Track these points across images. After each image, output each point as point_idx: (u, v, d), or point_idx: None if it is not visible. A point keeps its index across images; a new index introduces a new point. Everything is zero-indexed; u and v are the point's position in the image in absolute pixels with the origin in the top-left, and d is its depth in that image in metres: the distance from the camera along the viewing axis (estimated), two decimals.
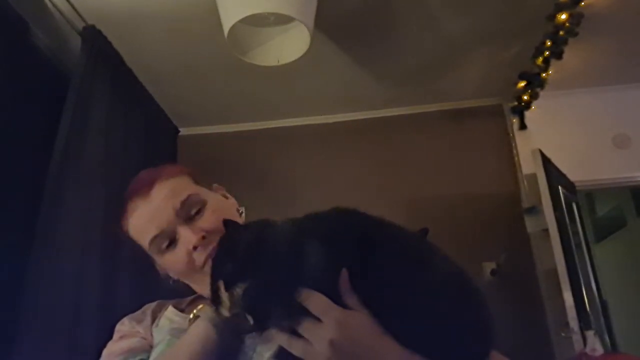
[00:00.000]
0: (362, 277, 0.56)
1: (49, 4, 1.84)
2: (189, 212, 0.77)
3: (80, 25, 1.91)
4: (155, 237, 0.76)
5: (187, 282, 0.82)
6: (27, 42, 1.83)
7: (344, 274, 0.56)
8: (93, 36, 1.90)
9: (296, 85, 2.65)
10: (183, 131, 2.88)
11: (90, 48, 1.88)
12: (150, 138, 2.34)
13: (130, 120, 2.17)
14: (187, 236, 0.75)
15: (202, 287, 0.78)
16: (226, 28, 1.74)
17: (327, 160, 2.88)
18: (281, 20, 1.83)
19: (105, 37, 1.95)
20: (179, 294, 0.88)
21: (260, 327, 0.59)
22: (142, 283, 1.71)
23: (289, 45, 1.95)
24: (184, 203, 0.77)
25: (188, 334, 0.70)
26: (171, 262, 0.78)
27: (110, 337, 0.81)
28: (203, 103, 2.77)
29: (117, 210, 0.84)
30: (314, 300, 0.55)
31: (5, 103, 1.64)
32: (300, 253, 0.57)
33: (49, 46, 1.99)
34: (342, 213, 0.64)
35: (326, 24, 2.12)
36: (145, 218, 0.77)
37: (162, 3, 1.95)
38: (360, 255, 0.57)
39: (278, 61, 1.97)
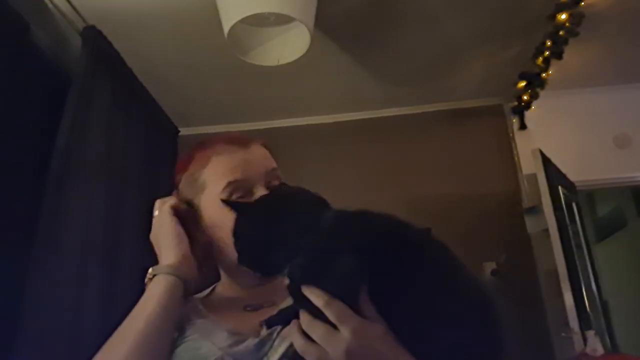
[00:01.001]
0: (386, 288, 0.56)
1: (49, 4, 1.84)
2: (272, 180, 0.79)
3: (80, 25, 1.92)
4: (236, 181, 0.76)
5: (226, 245, 0.75)
6: (28, 42, 1.83)
7: (365, 286, 0.56)
8: (93, 36, 1.90)
9: (296, 85, 2.65)
10: (183, 131, 2.87)
11: (90, 48, 1.88)
12: (150, 138, 2.34)
13: (131, 120, 2.17)
14: None
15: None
16: (226, 28, 1.74)
17: (327, 160, 2.88)
18: (281, 20, 1.83)
19: (105, 38, 1.95)
20: None
21: (286, 320, 0.61)
22: (143, 283, 1.71)
23: (289, 45, 1.95)
24: (274, 170, 0.80)
25: (149, 291, 0.71)
26: (232, 215, 0.76)
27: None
28: (203, 103, 2.77)
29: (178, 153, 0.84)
30: (334, 308, 0.55)
31: (6, 103, 1.64)
32: (334, 254, 0.56)
33: (49, 46, 1.99)
34: (380, 220, 0.62)
35: (326, 24, 2.12)
36: (236, 162, 0.78)
37: (162, 3, 1.95)
38: (388, 265, 0.56)
39: (278, 61, 1.97)
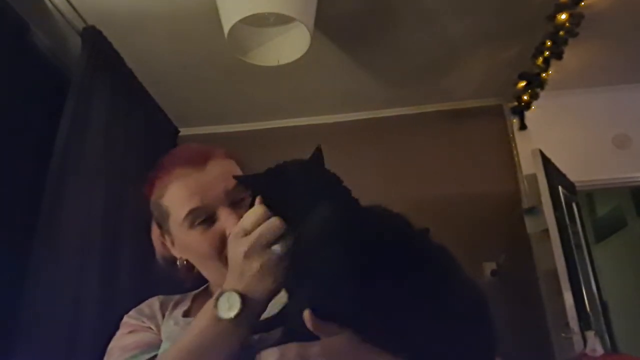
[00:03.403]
0: (381, 287, 0.54)
1: (49, 4, 1.84)
2: (236, 197, 0.75)
3: (80, 25, 1.91)
4: (196, 209, 0.74)
5: (199, 265, 0.80)
6: (27, 42, 1.83)
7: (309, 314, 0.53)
8: (93, 36, 1.90)
9: (296, 85, 2.65)
10: (183, 131, 2.87)
11: (90, 48, 1.88)
12: (150, 138, 2.34)
13: (130, 121, 2.17)
14: (229, 219, 0.73)
15: (216, 275, 0.77)
16: (226, 28, 1.74)
17: (326, 161, 2.88)
18: (281, 20, 1.83)
19: (105, 38, 1.95)
20: (179, 291, 0.88)
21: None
22: (141, 282, 1.71)
23: (289, 45, 1.95)
24: (236, 186, 0.75)
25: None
26: (198, 241, 0.75)
27: (110, 336, 0.79)
28: (203, 103, 2.77)
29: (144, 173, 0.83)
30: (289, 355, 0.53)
31: (5, 103, 1.64)
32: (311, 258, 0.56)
33: (49, 46, 1.99)
34: (379, 217, 0.62)
35: (326, 24, 2.12)
36: (192, 189, 0.75)
37: (162, 3, 1.95)
38: (384, 265, 0.54)
39: (278, 61, 1.97)
